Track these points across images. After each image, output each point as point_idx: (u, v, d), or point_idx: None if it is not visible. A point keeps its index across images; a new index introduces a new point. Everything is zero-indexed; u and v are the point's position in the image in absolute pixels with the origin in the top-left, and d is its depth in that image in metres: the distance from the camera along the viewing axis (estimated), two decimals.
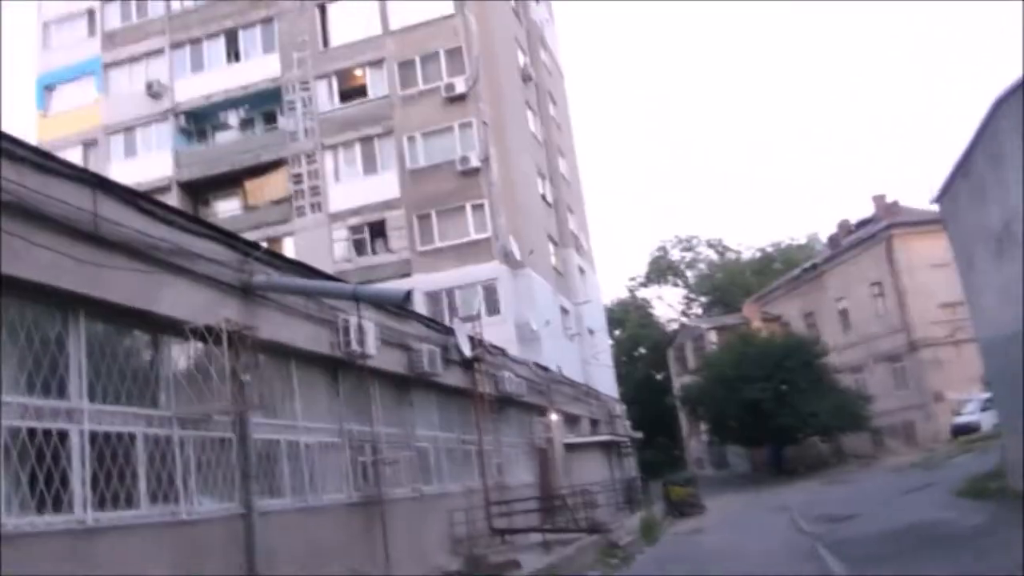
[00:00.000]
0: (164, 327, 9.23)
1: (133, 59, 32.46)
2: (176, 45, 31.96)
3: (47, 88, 33.46)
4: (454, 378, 17.10)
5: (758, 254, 67.54)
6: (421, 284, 27.02)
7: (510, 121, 30.45)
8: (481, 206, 27.42)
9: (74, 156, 29.73)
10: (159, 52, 32.13)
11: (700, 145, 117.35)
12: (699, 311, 67.74)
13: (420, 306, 25.94)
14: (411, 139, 28.54)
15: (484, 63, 29.22)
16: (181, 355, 9.58)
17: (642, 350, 65.14)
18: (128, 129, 31.77)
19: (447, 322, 19.64)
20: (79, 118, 32.39)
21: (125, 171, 29.86)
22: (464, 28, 28.94)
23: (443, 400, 16.88)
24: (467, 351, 17.45)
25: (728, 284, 64.66)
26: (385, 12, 29.91)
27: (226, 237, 10.53)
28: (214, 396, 9.37)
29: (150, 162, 30.90)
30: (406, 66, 29.25)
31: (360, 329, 12.43)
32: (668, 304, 70.36)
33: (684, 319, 64.57)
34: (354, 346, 12.31)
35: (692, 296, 69.43)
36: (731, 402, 37.76)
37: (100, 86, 32.67)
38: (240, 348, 9.81)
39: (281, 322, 11.18)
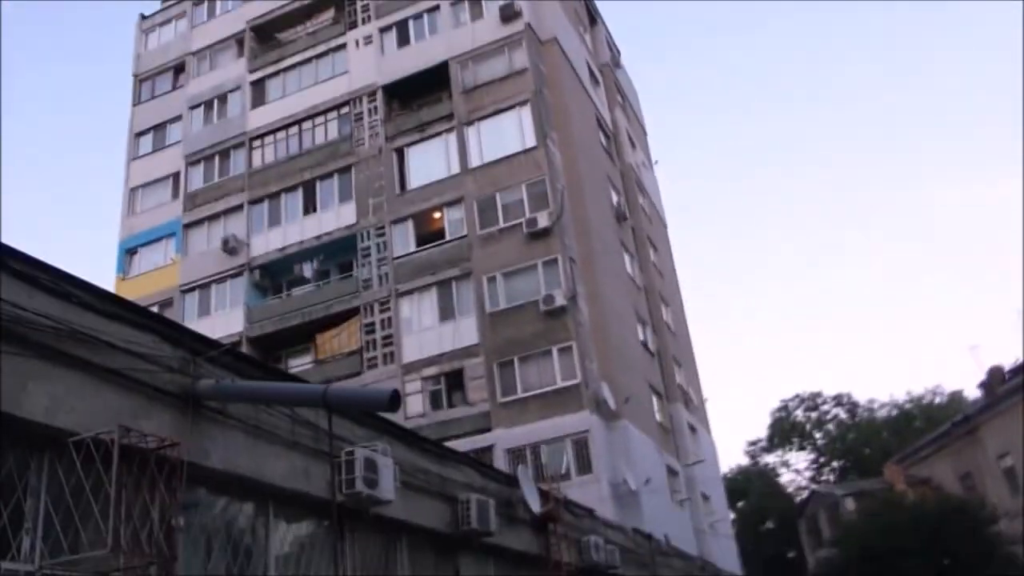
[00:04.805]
0: (34, 439, 6.40)
1: (212, 217, 31.58)
2: (254, 201, 30.95)
3: (129, 252, 32.80)
4: (520, 541, 13.58)
5: (895, 411, 61.06)
6: (503, 440, 23.81)
7: (601, 258, 27.70)
8: (569, 349, 24.25)
9: None
10: (238, 208, 31.15)
11: (817, 295, 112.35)
12: (831, 477, 61.24)
13: (500, 463, 22.58)
14: (491, 280, 25.97)
15: (570, 197, 26.90)
16: (62, 481, 6.61)
17: (770, 524, 58.51)
18: (202, 287, 30.39)
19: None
20: (156, 279, 31.37)
21: (197, 329, 28.27)
22: (547, 161, 26.82)
23: (504, 569, 13.23)
24: (536, 507, 13.96)
25: (863, 445, 58.33)
26: (465, 150, 28.16)
27: (163, 326, 7.77)
28: (120, 542, 6.32)
29: (222, 320, 29.21)
30: (486, 203, 27.09)
31: (369, 464, 9.31)
32: (795, 470, 64.00)
33: (815, 486, 58.17)
34: (360, 486, 9.14)
35: (822, 460, 62.90)
36: None
37: (179, 247, 31.77)
38: (161, 477, 6.86)
39: (245, 447, 8.19)
